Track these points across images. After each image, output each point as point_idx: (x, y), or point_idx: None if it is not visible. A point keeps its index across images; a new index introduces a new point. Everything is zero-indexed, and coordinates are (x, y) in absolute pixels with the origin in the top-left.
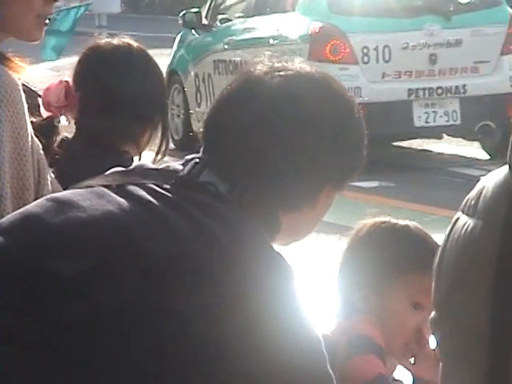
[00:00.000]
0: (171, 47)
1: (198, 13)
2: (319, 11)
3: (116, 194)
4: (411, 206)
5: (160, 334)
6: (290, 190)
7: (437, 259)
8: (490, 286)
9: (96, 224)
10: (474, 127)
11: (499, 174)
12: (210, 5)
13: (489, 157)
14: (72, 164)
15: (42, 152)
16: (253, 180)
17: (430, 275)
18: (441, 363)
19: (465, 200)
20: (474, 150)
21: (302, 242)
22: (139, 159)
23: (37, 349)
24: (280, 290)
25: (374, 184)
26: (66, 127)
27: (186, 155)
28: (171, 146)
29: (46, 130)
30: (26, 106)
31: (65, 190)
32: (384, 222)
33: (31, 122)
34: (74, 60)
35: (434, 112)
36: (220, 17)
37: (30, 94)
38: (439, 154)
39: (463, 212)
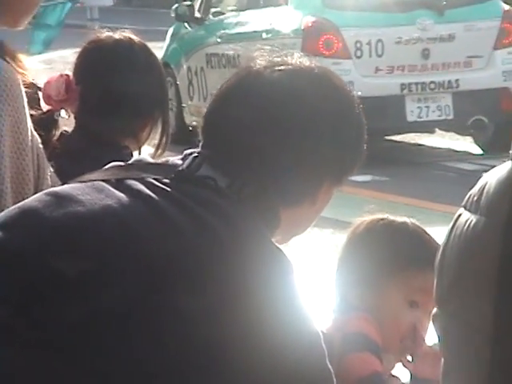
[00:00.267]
0: (164, 40)
1: (191, 6)
2: (312, 5)
3: (115, 188)
4: (405, 200)
5: (161, 334)
6: (290, 186)
7: (439, 255)
8: (493, 282)
9: (95, 218)
10: (467, 122)
11: (502, 169)
12: None
13: (481, 151)
14: (71, 159)
15: (41, 146)
16: (252, 175)
17: (427, 273)
18: (442, 359)
19: (467, 196)
20: (466, 144)
21: (295, 237)
22: (139, 154)
23: (37, 348)
24: (281, 286)
25: (367, 178)
26: (66, 121)
27: (184, 150)
28: None
29: (46, 123)
30: (25, 100)
31: (64, 184)
32: (382, 219)
33: (31, 115)
34: (65, 53)
35: (426, 107)
36: (213, 10)
37: (30, 87)
38: (432, 148)
39: (465, 208)
